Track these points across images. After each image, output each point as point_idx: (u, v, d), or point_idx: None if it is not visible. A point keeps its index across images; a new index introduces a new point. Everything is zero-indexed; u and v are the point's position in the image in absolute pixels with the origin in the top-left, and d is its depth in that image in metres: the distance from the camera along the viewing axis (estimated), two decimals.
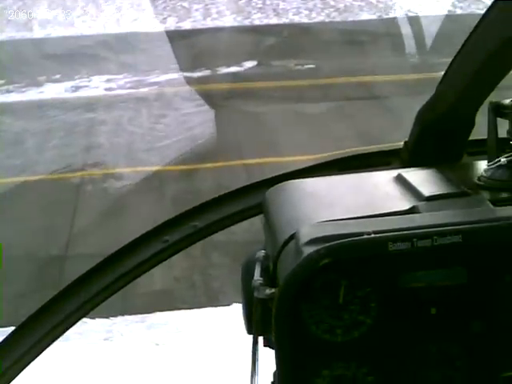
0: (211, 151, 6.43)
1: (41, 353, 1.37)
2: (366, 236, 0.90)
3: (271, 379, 1.03)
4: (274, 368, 1.00)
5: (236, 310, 3.33)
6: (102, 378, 3.87)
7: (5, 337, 1.33)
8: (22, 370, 1.35)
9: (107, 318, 4.44)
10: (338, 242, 0.90)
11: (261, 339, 1.06)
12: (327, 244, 0.90)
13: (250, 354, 1.01)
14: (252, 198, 1.43)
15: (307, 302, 0.90)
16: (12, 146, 6.69)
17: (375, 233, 0.91)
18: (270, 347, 1.02)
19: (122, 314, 4.46)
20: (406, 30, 8.70)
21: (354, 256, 0.90)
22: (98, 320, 4.38)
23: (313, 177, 1.32)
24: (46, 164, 6.24)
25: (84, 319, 4.34)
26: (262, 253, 1.11)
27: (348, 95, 7.56)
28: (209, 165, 6.27)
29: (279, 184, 1.27)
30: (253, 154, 6.38)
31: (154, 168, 6.18)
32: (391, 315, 0.91)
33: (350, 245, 0.90)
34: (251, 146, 6.58)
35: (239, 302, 1.16)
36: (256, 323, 1.00)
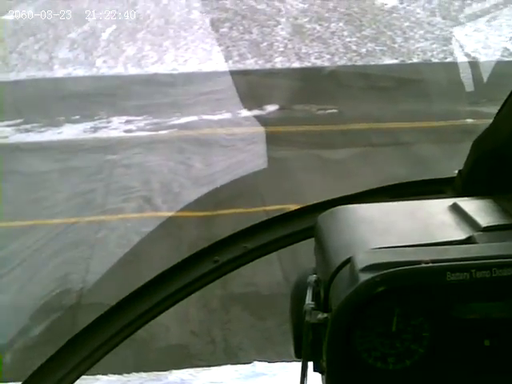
0: (233, 196, 6.29)
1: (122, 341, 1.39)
2: (423, 265, 0.90)
3: None
4: None
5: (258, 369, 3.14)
6: None
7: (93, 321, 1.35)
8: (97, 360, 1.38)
9: (121, 374, 4.23)
10: (395, 269, 0.90)
11: (310, 364, 1.06)
12: (384, 271, 0.90)
13: (299, 378, 1.01)
14: (303, 222, 1.46)
15: (360, 329, 0.90)
16: (29, 188, 6.58)
17: (433, 262, 0.91)
18: (320, 372, 1.03)
19: (137, 371, 4.25)
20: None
21: (411, 284, 0.90)
22: (111, 376, 4.18)
23: (364, 202, 1.32)
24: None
25: (97, 376, 4.17)
26: (313, 277, 1.11)
27: (371, 141, 7.41)
28: (231, 211, 6.12)
29: (332, 209, 1.27)
30: (274, 200, 6.24)
31: (171, 213, 6.05)
32: (444, 345, 0.91)
33: (408, 273, 0.90)
34: (272, 193, 6.43)
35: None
36: (306, 348, 1.00)
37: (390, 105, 8.42)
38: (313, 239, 1.26)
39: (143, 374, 4.43)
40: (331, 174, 6.73)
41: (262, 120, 8.14)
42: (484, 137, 1.33)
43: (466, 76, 8.39)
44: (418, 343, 0.89)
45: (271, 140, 7.58)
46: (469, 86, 8.06)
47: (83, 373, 1.35)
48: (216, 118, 8.44)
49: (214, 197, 6.30)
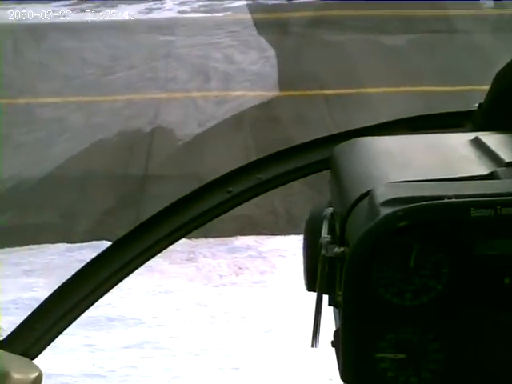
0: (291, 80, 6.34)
1: (134, 270, 1.38)
2: (447, 200, 0.87)
3: (331, 338, 1.00)
4: (334, 327, 1.00)
5: None
6: (184, 296, 3.89)
7: (103, 250, 1.36)
8: (117, 284, 1.38)
9: (189, 239, 4.44)
10: (418, 204, 0.86)
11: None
12: (406, 206, 0.86)
13: (314, 311, 0.99)
14: (319, 153, 1.40)
15: (378, 264, 0.87)
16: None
17: (456, 197, 0.87)
18: (335, 306, 1.00)
19: (205, 237, 4.46)
20: None
21: (434, 220, 0.86)
22: (180, 241, 4.39)
23: (382, 135, 1.29)
24: None
25: None
26: (329, 210, 1.08)
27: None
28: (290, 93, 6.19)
29: (349, 140, 1.23)
30: (332, 84, 6.28)
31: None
32: (463, 282, 0.88)
33: (431, 208, 0.86)
34: (330, 76, 6.46)
35: None
36: (321, 281, 0.98)
37: None
38: (328, 171, 1.24)
39: (211, 240, 4.66)
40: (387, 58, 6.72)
41: (316, 4, 8.08)
42: (507, 68, 1.26)
43: None
44: (437, 280, 0.88)
45: (326, 25, 7.55)
46: None
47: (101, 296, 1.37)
48: (270, 2, 8.38)
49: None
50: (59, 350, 3.17)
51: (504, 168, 0.99)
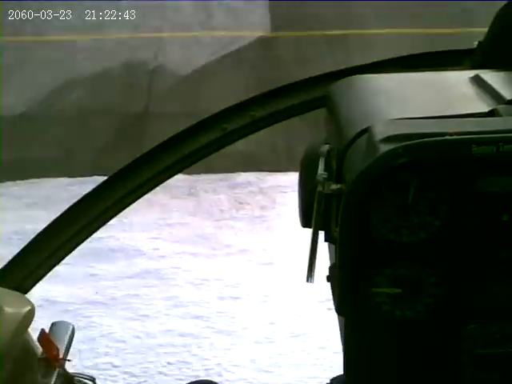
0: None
1: (127, 206, 1.39)
2: (448, 137, 0.87)
3: (326, 273, 1.03)
4: (328, 263, 1.02)
5: None
6: (185, 230, 3.92)
7: (96, 185, 1.36)
8: (110, 219, 1.39)
9: (190, 174, 4.45)
10: (419, 141, 0.86)
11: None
12: (406, 142, 0.86)
13: (309, 246, 1.00)
14: (314, 91, 1.39)
15: (376, 200, 0.88)
16: None
17: (458, 134, 0.87)
18: (330, 242, 1.02)
19: (206, 172, 4.47)
20: None
21: (435, 157, 0.86)
22: (181, 175, 4.40)
23: (380, 72, 1.28)
24: None
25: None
26: (326, 147, 1.07)
27: None
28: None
29: (346, 78, 1.22)
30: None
31: None
32: (461, 219, 0.88)
33: (432, 145, 0.86)
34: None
35: None
36: (317, 218, 0.99)
37: None
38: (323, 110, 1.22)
39: (212, 175, 4.67)
40: None
41: None
42: (508, 7, 1.24)
43: None
44: (435, 216, 0.88)
45: None
46: None
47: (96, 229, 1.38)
48: None
49: None
50: (62, 278, 3.22)
51: (505, 105, 0.98)
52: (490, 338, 0.92)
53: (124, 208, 1.39)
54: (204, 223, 3.99)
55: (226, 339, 2.84)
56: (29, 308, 1.19)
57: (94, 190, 1.37)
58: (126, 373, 2.62)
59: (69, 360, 1.24)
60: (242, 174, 4.55)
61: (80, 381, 1.27)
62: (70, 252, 1.37)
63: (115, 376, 2.61)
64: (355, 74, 1.25)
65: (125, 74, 5.91)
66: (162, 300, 3.15)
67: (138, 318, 3.00)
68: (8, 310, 1.15)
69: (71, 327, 1.32)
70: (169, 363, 2.69)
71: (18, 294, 1.28)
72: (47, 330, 1.25)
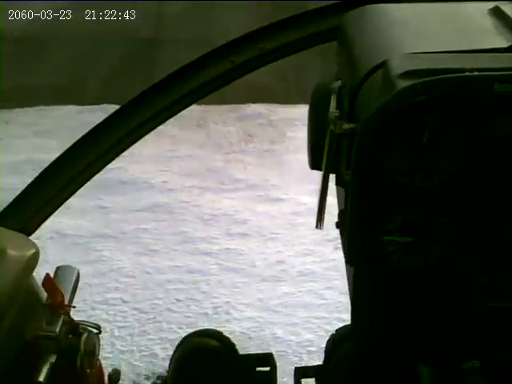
0: None
1: (138, 139, 1.38)
2: (468, 73, 0.81)
3: (336, 219, 0.99)
4: (338, 208, 0.98)
5: None
6: (194, 163, 3.92)
7: (106, 117, 1.34)
8: (121, 152, 1.37)
9: (200, 105, 4.42)
10: (438, 77, 0.80)
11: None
12: (425, 79, 0.80)
13: (320, 189, 0.96)
14: (326, 22, 1.32)
15: (390, 141, 0.82)
16: None
17: (478, 70, 0.81)
18: (341, 186, 0.98)
19: (215, 103, 4.43)
20: None
21: (455, 94, 0.81)
22: (191, 107, 4.36)
23: (396, 2, 1.20)
24: None
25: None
26: (338, 83, 1.01)
27: None
28: None
29: (359, 7, 1.16)
30: None
31: None
32: (478, 165, 0.83)
33: (452, 81, 0.80)
34: None
35: None
36: (328, 159, 0.94)
37: None
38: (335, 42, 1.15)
39: (222, 106, 4.62)
40: None
41: None
42: None
43: None
44: (449, 160, 0.83)
45: None
46: None
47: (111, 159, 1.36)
48: None
49: None
50: (72, 211, 3.24)
51: None
52: (501, 291, 0.89)
53: (135, 141, 1.37)
54: (213, 156, 3.98)
55: (235, 277, 2.88)
56: (33, 251, 1.17)
57: (106, 120, 1.34)
58: (135, 309, 2.66)
59: (74, 307, 1.24)
60: (252, 105, 4.52)
61: (85, 329, 1.26)
62: (81, 186, 1.33)
63: (125, 312, 2.65)
64: (369, 3, 1.18)
65: None
66: (170, 235, 3.17)
67: (147, 253, 3.03)
68: (12, 252, 1.14)
69: (76, 272, 1.31)
70: (177, 300, 2.73)
71: (22, 235, 1.26)
72: (52, 275, 1.23)
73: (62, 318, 1.19)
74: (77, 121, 4.22)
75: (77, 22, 5.50)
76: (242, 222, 3.30)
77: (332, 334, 1.54)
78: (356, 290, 0.92)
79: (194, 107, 4.68)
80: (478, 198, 0.85)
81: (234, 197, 3.54)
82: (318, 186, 0.96)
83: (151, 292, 2.78)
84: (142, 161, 3.86)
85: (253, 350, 2.31)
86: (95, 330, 1.28)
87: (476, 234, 0.86)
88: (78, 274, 1.30)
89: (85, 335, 1.24)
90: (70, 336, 1.22)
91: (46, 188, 1.33)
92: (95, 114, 4.27)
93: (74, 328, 1.24)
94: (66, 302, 1.22)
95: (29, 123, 4.29)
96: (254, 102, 4.56)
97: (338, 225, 0.98)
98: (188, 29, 5.48)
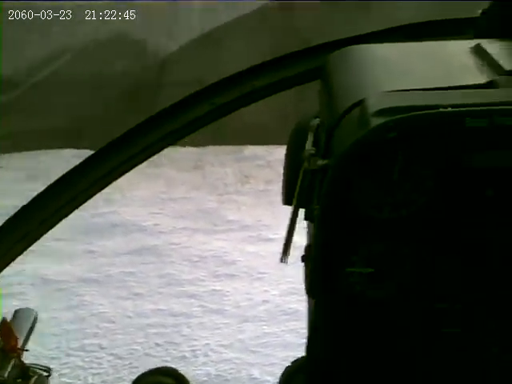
0: None
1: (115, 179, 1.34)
2: (441, 109, 0.83)
3: (302, 253, 0.98)
4: (305, 242, 0.98)
5: None
6: (188, 204, 3.88)
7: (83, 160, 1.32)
8: (96, 193, 1.32)
9: (197, 147, 4.40)
10: (410, 114, 0.83)
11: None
12: (398, 116, 0.82)
13: (288, 224, 0.96)
14: (311, 62, 1.34)
15: (361, 175, 0.84)
16: None
17: (452, 106, 0.83)
18: (310, 220, 0.97)
19: (213, 144, 4.41)
20: None
21: (427, 131, 0.83)
22: (188, 148, 4.35)
23: (379, 42, 1.24)
24: None
25: (175, 147, 4.30)
26: (316, 121, 1.04)
27: None
28: None
29: (343, 48, 1.17)
30: None
31: None
32: (447, 196, 0.85)
33: (424, 118, 0.83)
34: None
35: None
36: (300, 194, 0.95)
37: None
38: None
39: (219, 148, 4.59)
40: None
41: None
42: None
43: None
44: (420, 193, 0.85)
45: None
46: None
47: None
48: None
49: None
50: (59, 255, 3.21)
51: (503, 76, 0.94)
52: (455, 317, 0.90)
53: (112, 181, 1.34)
54: (207, 198, 3.94)
55: (217, 318, 2.80)
56: None
57: (81, 164, 1.31)
58: (112, 354, 2.59)
59: (26, 350, 1.23)
60: (250, 146, 4.49)
61: (35, 372, 1.25)
62: (48, 230, 1.29)
63: (101, 358, 2.58)
64: (354, 44, 1.20)
65: None
66: (156, 278, 3.11)
67: (130, 297, 2.97)
68: None
69: (34, 314, 1.31)
70: (157, 344, 2.65)
71: None
72: (9, 319, 1.23)
73: (12, 362, 1.20)
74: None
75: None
76: (231, 262, 3.24)
77: (286, 367, 1.50)
78: (315, 321, 0.94)
79: (191, 149, 4.67)
80: (443, 229, 0.87)
81: (225, 238, 3.48)
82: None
83: (131, 337, 2.71)
84: (135, 203, 3.83)
85: None
86: (45, 373, 1.27)
87: (437, 264, 0.87)
88: (36, 317, 1.31)
89: (34, 378, 1.23)
90: (19, 380, 1.22)
91: (12, 233, 1.29)
92: None
93: (24, 371, 1.24)
94: (20, 346, 1.23)
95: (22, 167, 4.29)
96: (252, 144, 4.53)
97: (303, 258, 0.97)
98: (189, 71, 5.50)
